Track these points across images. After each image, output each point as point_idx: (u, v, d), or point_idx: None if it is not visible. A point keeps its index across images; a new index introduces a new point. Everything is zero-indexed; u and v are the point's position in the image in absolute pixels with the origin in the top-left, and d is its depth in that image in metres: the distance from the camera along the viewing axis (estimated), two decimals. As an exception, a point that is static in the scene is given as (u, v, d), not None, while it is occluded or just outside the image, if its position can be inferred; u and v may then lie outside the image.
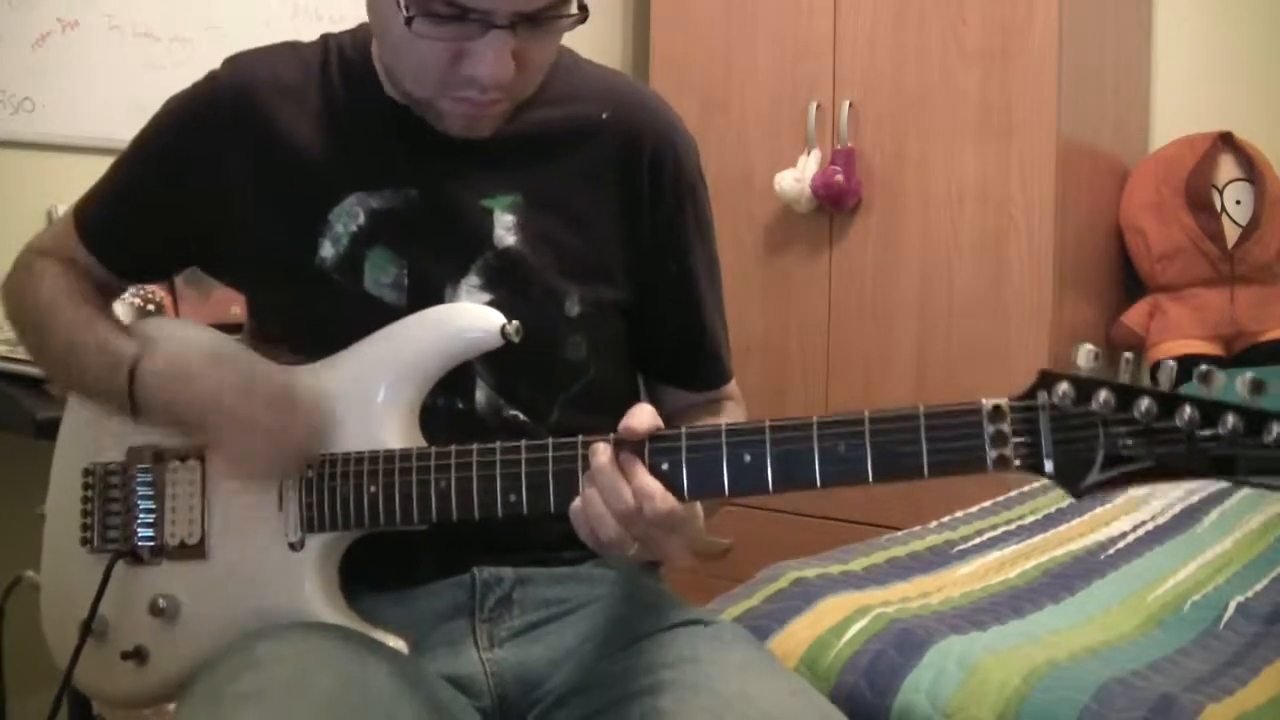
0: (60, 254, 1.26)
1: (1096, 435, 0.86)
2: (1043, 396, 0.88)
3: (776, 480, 0.94)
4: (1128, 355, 0.88)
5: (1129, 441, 0.86)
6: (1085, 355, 0.88)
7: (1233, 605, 1.60)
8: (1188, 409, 0.84)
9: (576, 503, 0.97)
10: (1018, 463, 0.89)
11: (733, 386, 1.31)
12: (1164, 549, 1.89)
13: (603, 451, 0.96)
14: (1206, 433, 0.83)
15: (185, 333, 1.21)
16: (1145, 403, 0.85)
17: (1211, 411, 0.83)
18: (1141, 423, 0.85)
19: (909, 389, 2.87)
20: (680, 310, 1.24)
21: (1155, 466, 0.85)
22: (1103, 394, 0.86)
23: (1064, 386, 0.87)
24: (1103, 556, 1.82)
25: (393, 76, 1.12)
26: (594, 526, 0.95)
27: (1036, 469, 0.88)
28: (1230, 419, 0.83)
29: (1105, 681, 1.28)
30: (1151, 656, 1.40)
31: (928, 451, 0.90)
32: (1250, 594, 1.66)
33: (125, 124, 1.24)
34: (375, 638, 1.06)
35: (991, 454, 0.89)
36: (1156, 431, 0.85)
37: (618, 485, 0.94)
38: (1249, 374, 0.82)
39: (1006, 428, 0.89)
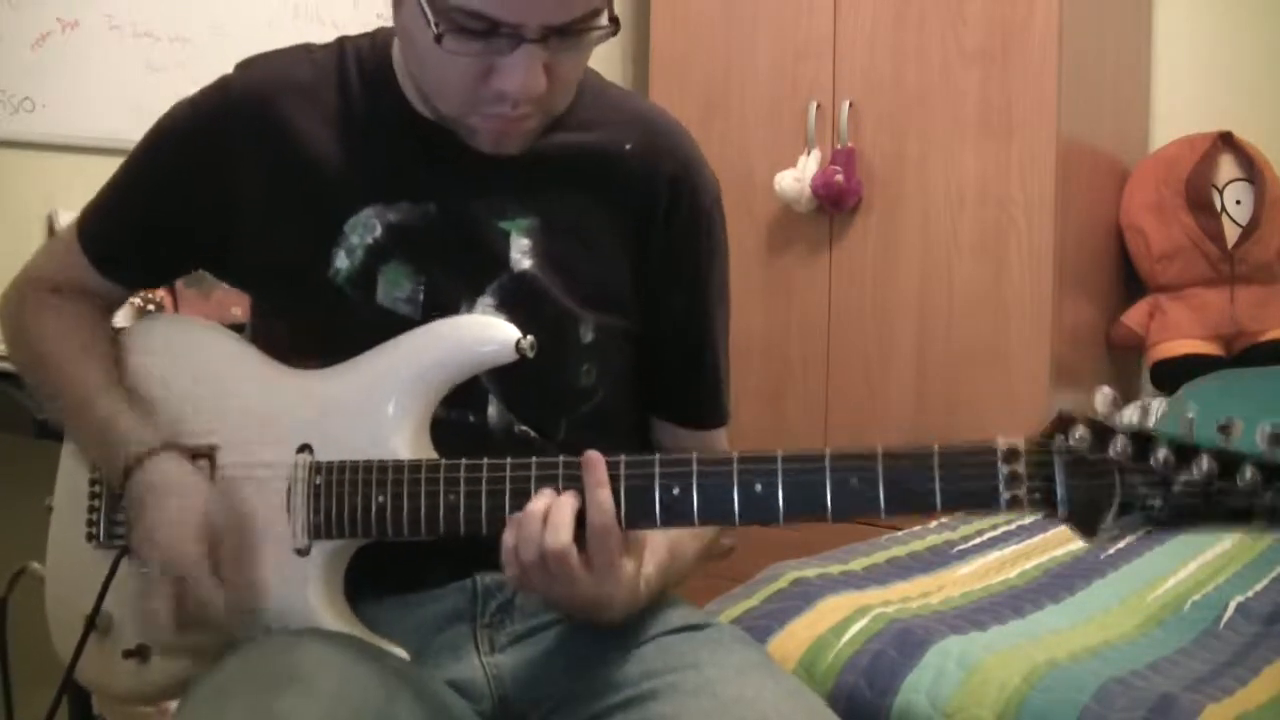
0: (60, 280, 1.24)
1: (1113, 483, 0.86)
2: (1059, 440, 0.88)
3: (788, 510, 0.94)
4: (1146, 401, 0.87)
5: (1145, 490, 0.85)
6: (1103, 400, 0.87)
7: (1233, 605, 1.60)
8: (1205, 460, 0.83)
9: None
10: (1031, 506, 0.88)
11: (725, 435, 1.29)
12: (1164, 549, 1.89)
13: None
14: (1224, 484, 0.83)
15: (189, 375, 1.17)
16: (1163, 452, 0.85)
17: (1230, 462, 0.83)
18: (1158, 472, 0.85)
19: (909, 389, 2.87)
20: (684, 345, 1.22)
21: (1171, 516, 0.85)
22: (1120, 441, 0.86)
23: (1081, 431, 0.87)
24: (1103, 556, 1.82)
25: (421, 93, 1.11)
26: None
27: (1050, 513, 0.88)
28: (1249, 471, 0.82)
29: (1105, 681, 1.28)
30: (1151, 656, 1.40)
31: (941, 490, 0.90)
32: (1250, 594, 1.66)
33: (125, 124, 1.23)
34: (377, 645, 1.06)
35: (1005, 495, 0.88)
36: (1173, 481, 0.84)
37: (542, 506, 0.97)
38: (1268, 426, 0.82)
39: (1021, 469, 0.88)
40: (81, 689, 1.41)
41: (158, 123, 1.19)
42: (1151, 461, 0.85)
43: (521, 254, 1.13)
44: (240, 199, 1.14)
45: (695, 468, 0.96)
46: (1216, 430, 0.83)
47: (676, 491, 0.96)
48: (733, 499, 0.95)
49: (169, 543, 1.05)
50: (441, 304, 1.11)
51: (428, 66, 1.06)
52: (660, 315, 1.20)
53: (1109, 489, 0.86)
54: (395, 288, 1.12)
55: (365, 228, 1.12)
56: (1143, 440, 0.85)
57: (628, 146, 1.17)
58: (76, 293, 1.24)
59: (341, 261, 1.12)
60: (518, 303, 1.12)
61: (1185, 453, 0.84)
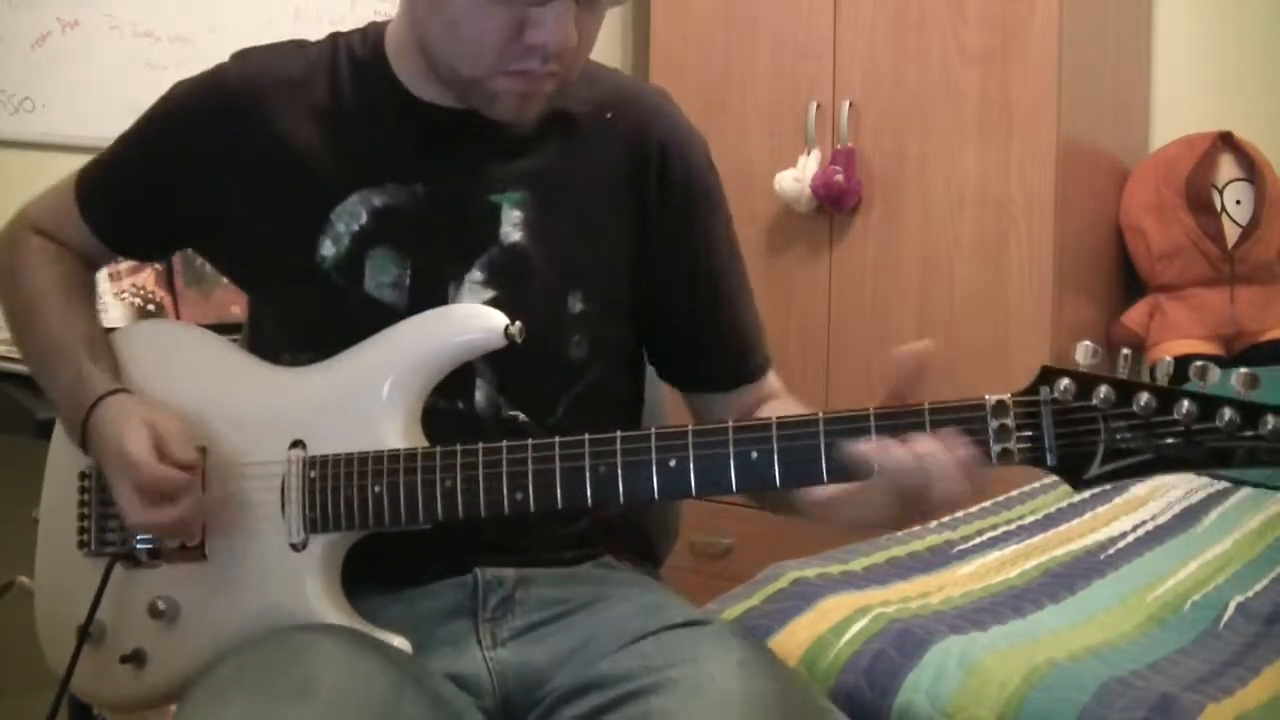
0: (54, 228, 1.25)
1: (1097, 429, 0.89)
2: (1045, 391, 0.90)
3: (784, 476, 0.95)
4: (1125, 351, 0.90)
5: (1129, 435, 0.88)
6: (1084, 351, 0.90)
7: (1233, 605, 1.60)
8: (1185, 403, 0.86)
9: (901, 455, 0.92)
10: (1021, 457, 0.90)
11: (773, 382, 1.27)
12: (1164, 549, 1.89)
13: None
14: (1204, 426, 0.86)
15: (164, 369, 1.19)
16: (1144, 397, 0.87)
17: (1208, 405, 0.86)
18: (1141, 417, 0.87)
19: (909, 389, 2.87)
20: (698, 308, 1.23)
21: (1154, 459, 0.88)
22: (1103, 389, 0.88)
23: (1065, 382, 0.90)
24: (1103, 556, 1.82)
25: (443, 59, 1.10)
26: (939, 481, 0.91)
27: (1039, 462, 0.90)
28: (1227, 412, 0.85)
29: (1105, 681, 1.28)
30: (1151, 656, 1.40)
31: None
32: (1250, 594, 1.66)
33: (125, 124, 1.24)
34: (378, 638, 1.06)
35: (995, 448, 0.90)
36: (1155, 425, 0.87)
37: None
38: (1244, 369, 0.85)
39: (1010, 422, 0.90)
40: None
41: (156, 102, 1.21)
42: (1134, 407, 0.87)
43: (512, 227, 1.14)
44: (228, 187, 1.15)
45: (691, 439, 0.97)
46: (1191, 374, 0.86)
47: (673, 464, 0.97)
48: (729, 468, 0.96)
49: (120, 443, 1.08)
50: (428, 284, 1.12)
51: (459, 27, 1.06)
52: (669, 281, 1.20)
53: (1094, 435, 0.89)
54: (381, 273, 1.13)
55: (351, 215, 1.13)
56: (1125, 387, 0.88)
57: (609, 116, 1.19)
58: (68, 244, 1.25)
59: (328, 249, 1.13)
60: (506, 277, 1.13)
61: (1166, 397, 0.87)
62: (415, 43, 1.13)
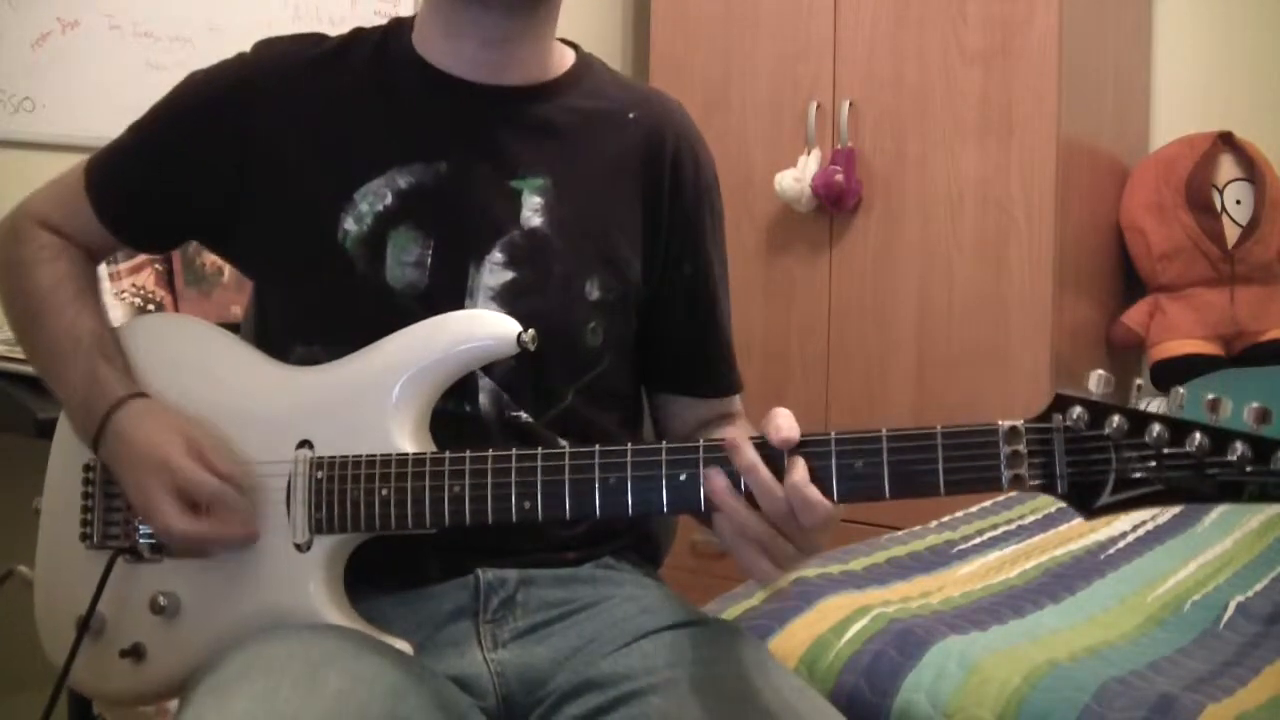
0: (60, 221, 1.24)
1: (1109, 459, 0.89)
2: (1057, 419, 0.90)
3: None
4: (1139, 381, 0.91)
5: (1140, 466, 0.88)
6: (1097, 380, 0.90)
7: (1233, 605, 1.60)
8: (1198, 436, 0.86)
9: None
10: (1032, 483, 0.90)
11: (738, 405, 1.30)
12: (1164, 549, 1.89)
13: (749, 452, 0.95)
14: (1215, 459, 0.86)
15: (175, 366, 1.18)
16: (1157, 429, 0.87)
17: (1220, 438, 0.86)
18: (1153, 448, 0.88)
19: (909, 389, 2.87)
20: (694, 314, 1.24)
21: (1165, 490, 0.88)
22: (1116, 419, 0.89)
23: (1078, 410, 0.90)
24: (1103, 556, 1.82)
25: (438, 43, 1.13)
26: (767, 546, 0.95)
27: (1050, 490, 0.90)
28: (1239, 446, 0.85)
29: (1105, 681, 1.28)
30: (1151, 656, 1.40)
31: (944, 470, 0.92)
32: (1250, 594, 1.66)
33: (125, 124, 1.24)
34: (381, 640, 1.06)
35: (1007, 474, 0.91)
36: (1167, 457, 0.87)
37: (773, 489, 0.94)
38: (1256, 404, 0.85)
39: (1022, 449, 0.90)
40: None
41: (174, 88, 1.21)
42: (1146, 438, 0.88)
43: (532, 212, 1.15)
44: (248, 166, 1.16)
45: (701, 455, 0.97)
46: (1204, 408, 0.86)
47: (683, 478, 0.97)
48: (741, 484, 0.96)
49: (153, 446, 1.08)
50: (449, 263, 1.13)
51: None
52: (670, 284, 1.22)
53: (1105, 465, 0.89)
54: (403, 252, 1.13)
55: (376, 195, 1.14)
56: (1137, 418, 0.88)
57: (631, 116, 1.21)
58: (73, 237, 1.24)
59: (350, 225, 1.13)
60: (526, 260, 1.14)
61: (1178, 429, 0.87)
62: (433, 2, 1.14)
